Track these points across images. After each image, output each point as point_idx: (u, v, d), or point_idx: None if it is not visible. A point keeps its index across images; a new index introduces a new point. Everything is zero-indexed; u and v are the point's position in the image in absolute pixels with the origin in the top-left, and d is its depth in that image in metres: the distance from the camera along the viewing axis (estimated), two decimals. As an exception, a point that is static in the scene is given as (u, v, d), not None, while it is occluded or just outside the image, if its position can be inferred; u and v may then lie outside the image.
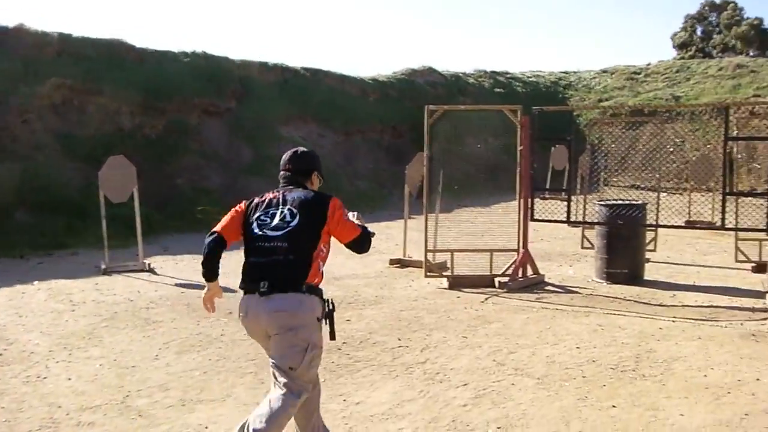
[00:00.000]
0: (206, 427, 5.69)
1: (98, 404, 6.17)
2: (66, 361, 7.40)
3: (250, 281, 4.52)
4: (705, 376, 6.74)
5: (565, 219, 11.60)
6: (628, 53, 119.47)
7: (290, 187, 4.81)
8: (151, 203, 16.06)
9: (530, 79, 35.28)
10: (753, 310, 9.40)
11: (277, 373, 4.48)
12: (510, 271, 11.06)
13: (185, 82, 21.04)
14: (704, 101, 28.30)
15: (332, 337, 4.61)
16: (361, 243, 4.78)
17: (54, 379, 6.84)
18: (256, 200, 4.77)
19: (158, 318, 9.17)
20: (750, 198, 11.69)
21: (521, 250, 11.19)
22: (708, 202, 15.98)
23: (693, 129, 24.64)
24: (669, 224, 12.33)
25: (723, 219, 10.32)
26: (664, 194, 14.68)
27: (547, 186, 18.82)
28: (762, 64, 33.14)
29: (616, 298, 10.22)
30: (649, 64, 36.84)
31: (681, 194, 17.40)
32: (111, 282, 11.48)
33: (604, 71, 36.74)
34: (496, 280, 10.96)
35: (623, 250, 11.29)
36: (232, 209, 4.84)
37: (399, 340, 8.02)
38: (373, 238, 4.91)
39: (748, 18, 55.94)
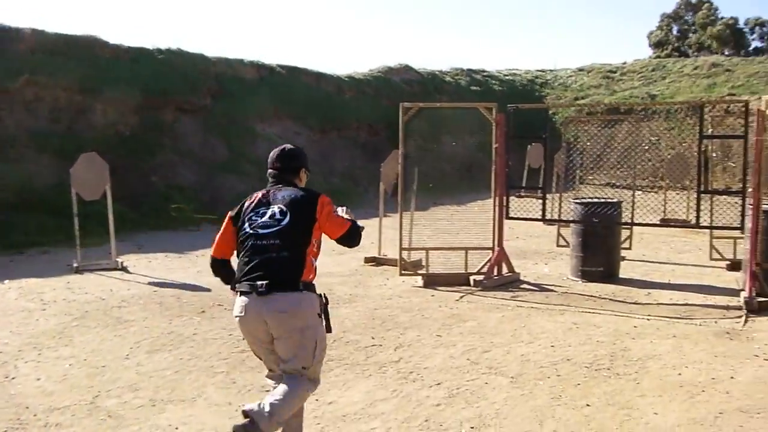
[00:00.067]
0: (176, 428, 5.62)
1: (67, 405, 6.09)
2: (35, 361, 7.30)
3: (246, 281, 4.54)
4: (679, 374, 6.74)
5: (540, 217, 11.58)
6: (605, 52, 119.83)
7: (279, 185, 4.87)
8: (125, 201, 15.93)
9: (507, 77, 35.32)
10: (727, 308, 9.41)
11: (286, 371, 4.58)
12: (485, 270, 11.03)
13: (160, 79, 20.86)
14: (680, 100, 28.41)
15: (328, 329, 4.72)
16: (351, 237, 4.84)
17: (23, 380, 6.74)
18: (247, 202, 4.85)
19: (130, 317, 9.06)
20: (725, 196, 11.72)
21: (496, 248, 11.16)
22: (683, 201, 16.00)
23: (668, 127, 24.67)
24: (644, 222, 12.36)
25: (698, 217, 10.33)
26: (640, 192, 14.72)
27: (524, 184, 18.77)
28: (737, 64, 33.36)
29: (592, 296, 10.21)
30: (625, 63, 37.01)
31: (656, 192, 17.43)
32: (83, 281, 11.34)
33: (581, 70, 36.86)
34: (471, 278, 10.90)
35: (598, 248, 11.29)
36: (224, 222, 4.94)
37: (373, 338, 7.97)
38: (362, 232, 4.99)
39: (723, 18, 56.27)
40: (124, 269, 12.18)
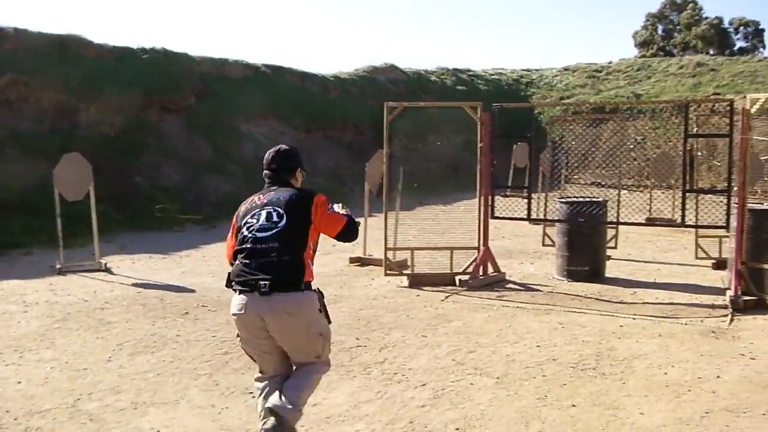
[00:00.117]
0: (158, 431, 5.55)
1: (48, 408, 6.01)
2: (16, 364, 7.22)
3: (246, 281, 4.64)
4: (665, 374, 6.72)
5: (525, 216, 11.55)
6: (590, 52, 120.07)
7: (275, 187, 4.98)
8: (109, 201, 15.83)
9: (492, 77, 35.28)
10: (713, 306, 9.41)
11: (298, 363, 4.82)
12: (470, 270, 11.00)
13: (144, 79, 20.74)
14: (665, 99, 28.45)
15: (329, 321, 4.88)
16: (348, 233, 4.96)
17: (3, 383, 6.66)
18: (244, 206, 4.96)
19: (113, 319, 8.98)
20: (710, 195, 11.72)
21: (482, 248, 11.13)
22: (668, 200, 16.02)
23: (654, 127, 24.74)
24: (630, 221, 12.34)
25: (683, 216, 10.35)
26: (625, 191, 14.71)
27: (509, 183, 18.75)
28: (722, 63, 33.47)
29: (577, 295, 10.19)
30: (610, 63, 37.02)
31: (642, 191, 17.46)
32: (66, 282, 11.25)
33: (566, 69, 36.85)
34: (457, 278, 10.88)
35: (584, 248, 11.27)
36: (231, 225, 5.07)
37: (357, 339, 7.92)
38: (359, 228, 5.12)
39: (707, 17, 56.45)
40: (107, 270, 12.09)
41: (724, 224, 10.06)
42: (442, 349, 7.54)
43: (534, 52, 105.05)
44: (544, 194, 14.59)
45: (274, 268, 4.59)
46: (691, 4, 57.99)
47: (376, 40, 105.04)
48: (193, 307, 9.54)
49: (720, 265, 11.83)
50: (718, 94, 28.44)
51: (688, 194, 10.46)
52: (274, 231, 4.68)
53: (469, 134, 11.99)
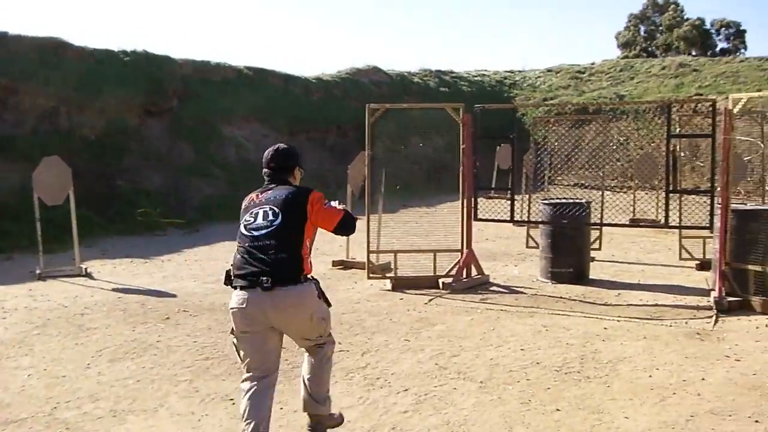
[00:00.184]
0: (136, 440, 5.47)
1: (24, 417, 5.92)
2: (-7, 372, 7.12)
3: (247, 277, 4.79)
4: (650, 376, 6.67)
5: (509, 218, 11.51)
6: (573, 53, 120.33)
7: (272, 185, 5.15)
8: (90, 205, 15.73)
9: (475, 79, 35.27)
10: (698, 308, 9.38)
11: (304, 347, 5.24)
12: (454, 272, 10.94)
13: (125, 82, 20.61)
14: (648, 99, 28.49)
15: (328, 305, 5.18)
16: (345, 226, 5.15)
17: (-21, 391, 6.55)
18: (244, 203, 5.16)
19: (92, 324, 8.88)
20: (693, 196, 11.72)
21: (465, 250, 11.07)
22: (652, 200, 16.03)
23: (637, 127, 24.75)
24: (613, 223, 12.32)
25: (666, 217, 10.31)
26: (609, 193, 14.72)
27: (493, 185, 18.71)
28: (704, 64, 33.57)
29: (561, 297, 10.14)
30: (593, 64, 37.08)
31: (625, 192, 17.45)
32: (46, 287, 11.14)
33: (549, 70, 36.90)
34: (440, 281, 10.81)
35: (568, 250, 11.24)
36: None
37: (340, 344, 7.77)
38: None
39: (689, 18, 56.66)
40: (88, 275, 11.97)
41: (707, 225, 10.05)
42: (425, 354, 7.47)
43: (517, 53, 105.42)
44: (527, 196, 14.55)
45: (274, 265, 4.75)
46: (672, 6, 58.23)
47: (360, 42, 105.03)
48: (174, 312, 9.44)
49: (704, 265, 11.82)
50: (701, 94, 28.50)
51: (671, 195, 10.43)
52: (270, 229, 4.85)
53: (452, 136, 11.93)
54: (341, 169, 12.81)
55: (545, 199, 12.34)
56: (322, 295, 5.04)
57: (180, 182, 19.64)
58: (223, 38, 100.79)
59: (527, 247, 13.80)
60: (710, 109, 10.18)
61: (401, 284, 10.79)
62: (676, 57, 38.93)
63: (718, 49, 55.35)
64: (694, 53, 49.60)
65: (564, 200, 11.91)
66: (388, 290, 10.68)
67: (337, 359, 7.22)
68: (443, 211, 14.13)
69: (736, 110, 9.66)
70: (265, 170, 5.26)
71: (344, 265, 12.39)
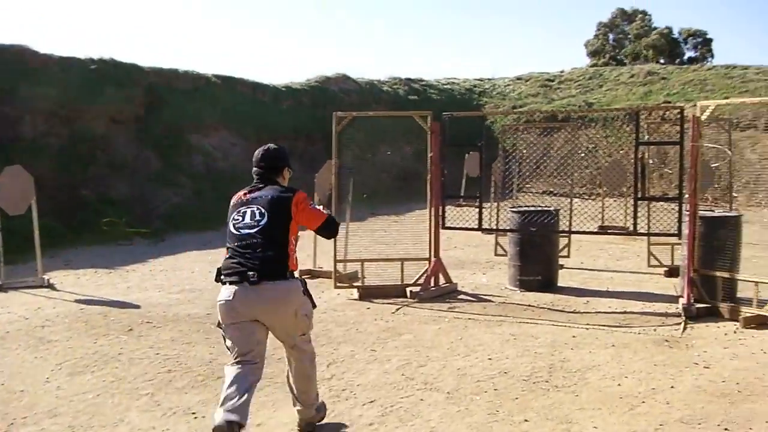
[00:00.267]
0: (93, 456, 5.31)
1: (-22, 434, 5.74)
2: (-52, 387, 6.92)
3: (235, 274, 5.02)
4: (619, 385, 6.60)
5: (477, 226, 11.43)
6: (543, 61, 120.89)
7: (261, 185, 5.38)
8: (54, 215, 15.54)
9: (445, 87, 35.27)
10: (666, 315, 9.35)
11: (288, 344, 5.42)
12: (421, 281, 10.85)
13: (92, 89, 20.38)
14: (616, 107, 28.61)
15: (314, 305, 5.37)
16: (328, 227, 5.51)
17: (-68, 407, 6.36)
18: (233, 201, 5.36)
19: (53, 337, 8.67)
20: (662, 203, 11.70)
21: (433, 258, 10.99)
22: (621, 207, 16.04)
23: (605, 135, 24.84)
24: (582, 230, 12.28)
25: (635, 224, 10.29)
26: (578, 200, 14.69)
27: (462, 193, 18.67)
28: (672, 72, 33.81)
29: (530, 305, 10.07)
30: (562, 72, 37.22)
31: (594, 200, 17.48)
32: (6, 299, 10.90)
33: (519, 78, 36.99)
34: (408, 289, 10.71)
35: (536, 257, 11.18)
36: None
37: (305, 355, 7.72)
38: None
39: (657, 27, 57.05)
40: (50, 286, 11.73)
41: (676, 232, 10.03)
42: (391, 364, 7.36)
43: (487, 61, 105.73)
44: (496, 204, 14.51)
45: (261, 261, 4.99)
46: (640, 15, 58.63)
47: (329, 51, 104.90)
48: (138, 323, 9.27)
49: (672, 272, 11.83)
50: (669, 102, 28.67)
51: (639, 202, 10.40)
52: (257, 228, 5.09)
53: (420, 144, 11.85)
54: (309, 178, 12.68)
55: (514, 207, 12.29)
56: (307, 293, 5.24)
57: (146, 191, 19.44)
58: (192, 46, 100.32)
59: (496, 255, 13.74)
60: (678, 116, 10.16)
61: (368, 293, 10.68)
62: (645, 65, 39.16)
63: (685, 57, 55.75)
64: (662, 61, 49.94)
65: (533, 208, 11.86)
66: (355, 299, 10.55)
67: (301, 370, 7.12)
68: (412, 219, 14.03)
69: (703, 117, 9.65)
70: (254, 170, 5.46)
71: (311, 274, 12.24)
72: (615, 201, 16.47)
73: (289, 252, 5.15)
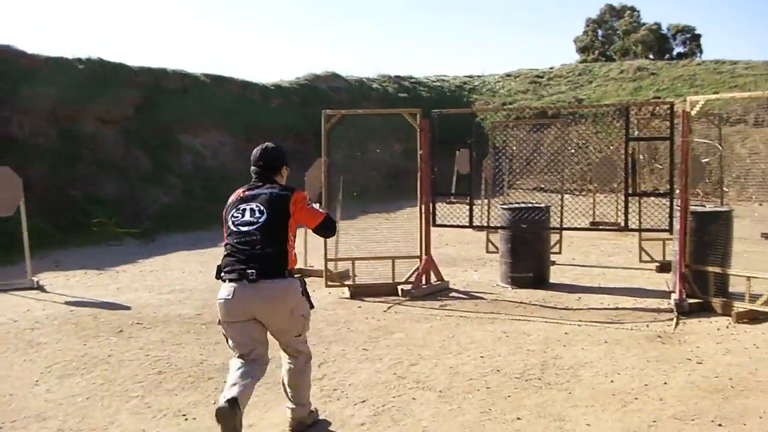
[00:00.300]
0: (82, 459, 5.26)
1: (-35, 439, 5.68)
2: (-65, 392, 6.85)
3: (234, 271, 5.08)
4: (612, 381, 6.58)
5: (467, 224, 11.39)
6: (533, 57, 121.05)
7: (260, 183, 5.43)
8: (42, 216, 15.44)
9: (435, 84, 35.27)
10: (658, 311, 9.33)
11: (283, 344, 5.44)
12: (413, 279, 10.81)
13: (80, 89, 20.29)
14: (606, 103, 28.61)
15: (311, 306, 5.42)
16: (326, 226, 5.54)
17: None
18: (231, 198, 5.42)
19: (43, 339, 8.59)
20: (653, 198, 11.68)
21: (424, 256, 10.95)
22: (612, 203, 16.01)
23: (596, 131, 24.81)
24: (573, 226, 12.24)
25: (626, 220, 10.26)
26: (569, 196, 14.65)
27: (453, 190, 18.62)
28: (661, 67, 33.87)
29: (522, 302, 10.04)
30: (552, 68, 37.27)
31: (585, 196, 17.43)
32: (-5, 302, 10.84)
33: (509, 75, 37.03)
34: (399, 287, 10.68)
35: (527, 254, 11.16)
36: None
37: (296, 355, 7.67)
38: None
39: (645, 23, 57.12)
40: (40, 288, 11.65)
41: (667, 227, 10.01)
42: (383, 363, 7.32)
43: (476, 58, 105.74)
44: (487, 200, 14.47)
45: (259, 259, 5.05)
46: (629, 11, 58.71)
47: (318, 49, 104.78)
48: (128, 324, 9.21)
49: (664, 267, 11.83)
50: (659, 97, 28.72)
51: (631, 198, 10.38)
52: (256, 226, 5.15)
53: (410, 141, 11.80)
54: (299, 176, 12.61)
55: (505, 204, 12.25)
56: (305, 293, 5.31)
57: (136, 191, 19.37)
58: (181, 45, 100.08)
59: (487, 252, 13.71)
60: (668, 111, 10.12)
61: (360, 292, 10.64)
62: (634, 61, 39.23)
63: (674, 53, 55.82)
64: (651, 57, 50.00)
65: (524, 204, 11.83)
66: (347, 298, 10.52)
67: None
68: (402, 217, 13.99)
69: (693, 113, 9.63)
70: (253, 168, 5.50)
71: (302, 273, 12.18)
72: (606, 197, 16.39)
73: (288, 248, 5.21)
